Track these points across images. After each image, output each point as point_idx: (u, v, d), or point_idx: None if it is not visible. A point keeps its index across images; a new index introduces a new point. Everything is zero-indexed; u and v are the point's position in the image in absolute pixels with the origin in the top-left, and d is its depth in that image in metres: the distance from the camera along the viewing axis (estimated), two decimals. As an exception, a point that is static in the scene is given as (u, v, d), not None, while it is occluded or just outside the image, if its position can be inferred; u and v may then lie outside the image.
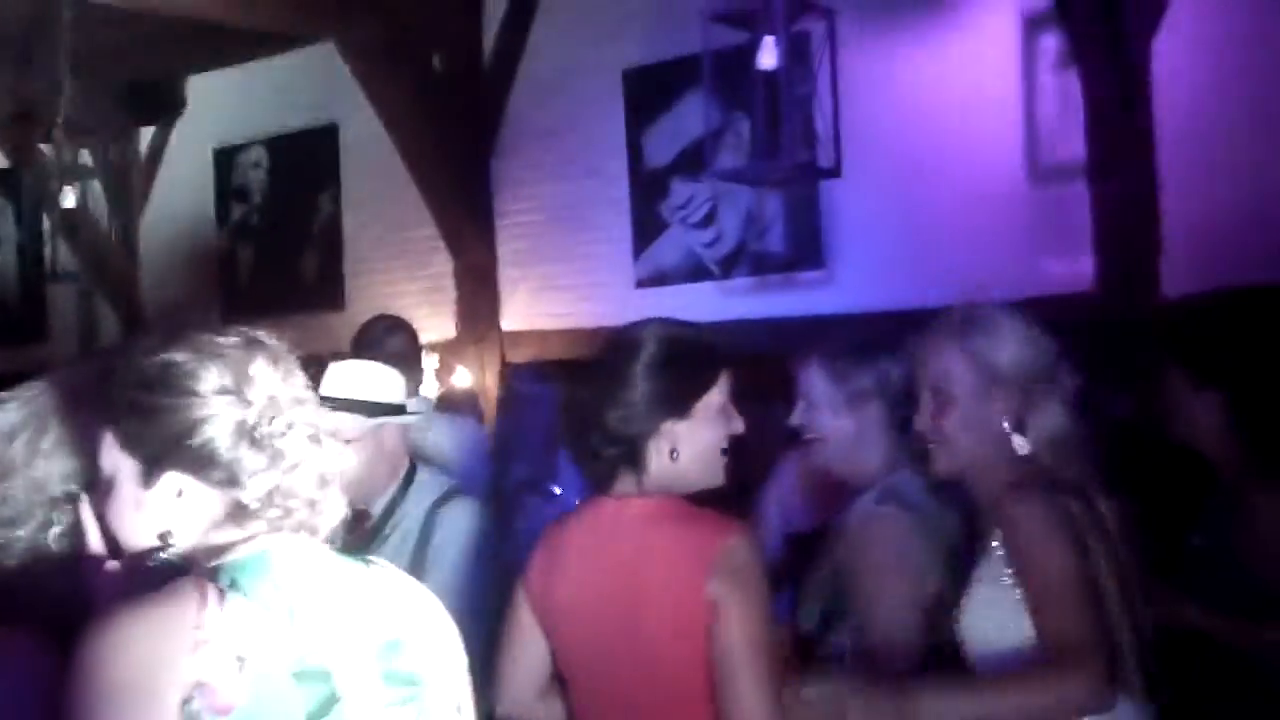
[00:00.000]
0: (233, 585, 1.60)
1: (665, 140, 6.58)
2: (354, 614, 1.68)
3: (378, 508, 3.36)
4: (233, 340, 1.70)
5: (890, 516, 2.76)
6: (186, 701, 1.51)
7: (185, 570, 1.63)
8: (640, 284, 7.47)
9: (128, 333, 10.28)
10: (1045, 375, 2.51)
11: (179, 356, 1.68)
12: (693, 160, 6.83)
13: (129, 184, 10.32)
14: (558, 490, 4.67)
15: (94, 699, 1.52)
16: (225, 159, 9.77)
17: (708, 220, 7.18)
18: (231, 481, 1.65)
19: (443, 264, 8.33)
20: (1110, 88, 5.80)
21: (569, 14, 7.83)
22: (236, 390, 1.65)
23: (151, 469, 1.67)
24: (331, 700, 1.61)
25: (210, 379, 1.65)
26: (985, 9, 6.33)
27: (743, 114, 6.46)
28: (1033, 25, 6.17)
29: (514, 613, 2.53)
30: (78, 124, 8.39)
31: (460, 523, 3.34)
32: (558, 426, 4.04)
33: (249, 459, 1.64)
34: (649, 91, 7.07)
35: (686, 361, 2.46)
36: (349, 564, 1.73)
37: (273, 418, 1.65)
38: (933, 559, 2.71)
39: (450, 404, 6.81)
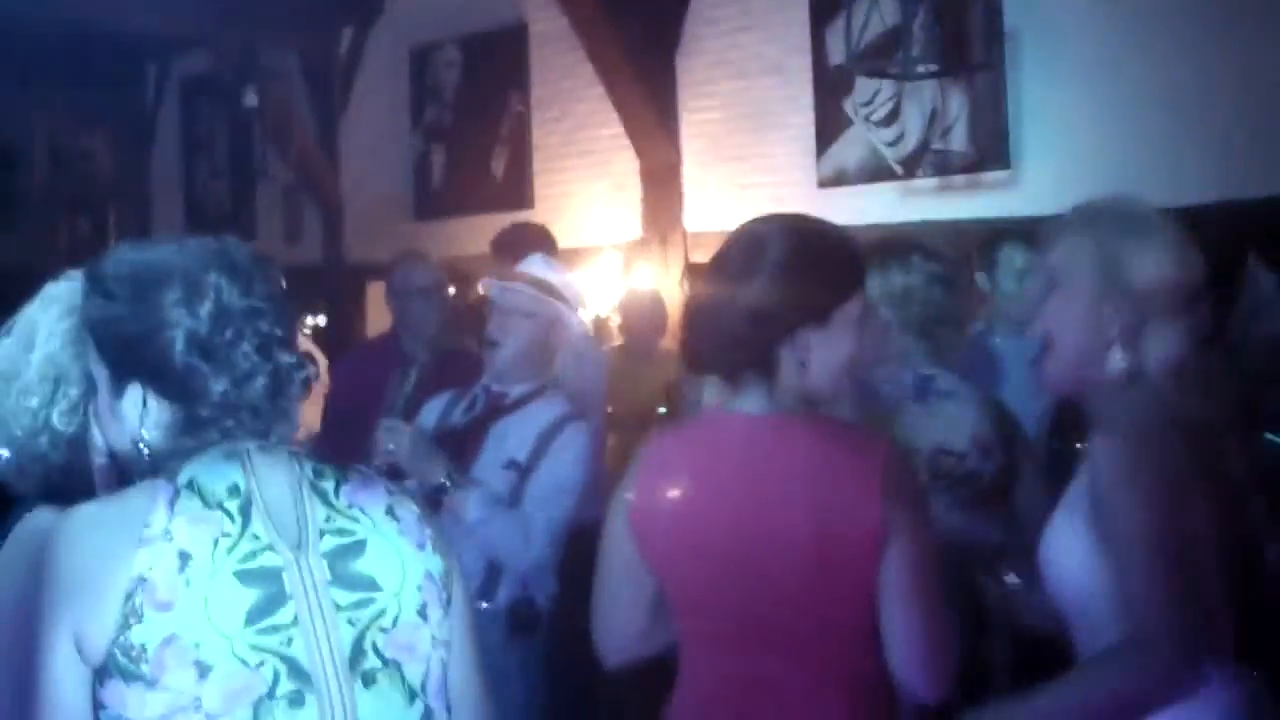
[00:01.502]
0: (188, 485, 1.64)
1: (853, 34, 6.38)
2: (308, 518, 1.70)
3: (514, 392, 3.54)
4: (191, 250, 1.72)
5: None
6: (129, 595, 1.56)
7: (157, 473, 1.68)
8: (822, 183, 7.33)
9: (328, 231, 10.60)
10: (1180, 297, 2.23)
11: (136, 268, 1.72)
12: (877, 56, 6.63)
13: (329, 85, 10.54)
14: None
15: (46, 588, 1.59)
16: (420, 59, 9.89)
17: (891, 118, 6.99)
18: (185, 392, 1.68)
19: (628, 163, 8.31)
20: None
21: (754, -93, 7.66)
22: (186, 302, 1.67)
23: (118, 379, 1.73)
24: (279, 599, 1.63)
25: (162, 291, 1.68)
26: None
27: (928, 8, 6.25)
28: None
29: (613, 546, 2.35)
30: (278, 25, 8.61)
31: (573, 445, 3.60)
32: None
33: (200, 369, 1.67)
34: (833, -15, 6.86)
35: (830, 263, 2.29)
36: (313, 469, 1.75)
37: (225, 329, 1.67)
38: None
39: (634, 305, 6.83)
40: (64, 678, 1.58)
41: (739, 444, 2.25)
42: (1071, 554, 2.21)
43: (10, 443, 1.92)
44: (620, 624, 2.38)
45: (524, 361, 3.69)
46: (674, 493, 2.27)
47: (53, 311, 1.92)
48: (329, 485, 1.74)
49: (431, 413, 3.82)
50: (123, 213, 12.99)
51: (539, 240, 5.32)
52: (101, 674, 1.57)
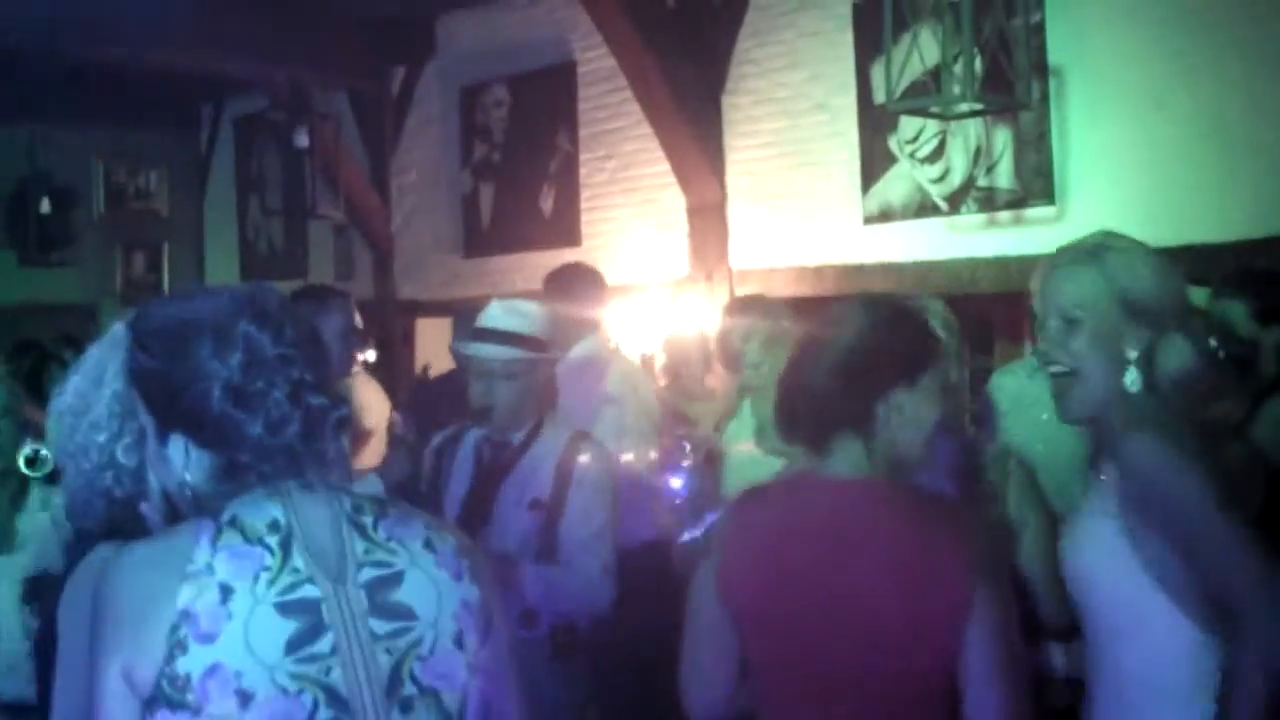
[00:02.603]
0: (230, 522, 1.71)
1: (894, 73, 6.41)
2: (347, 552, 1.75)
3: (518, 438, 3.58)
4: (222, 301, 1.79)
5: None
6: (175, 628, 1.63)
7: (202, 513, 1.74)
8: (868, 220, 7.35)
9: (379, 267, 10.72)
10: (1176, 312, 2.41)
11: (171, 322, 1.79)
12: (922, 93, 6.66)
13: (381, 124, 10.68)
14: None
15: (98, 625, 1.66)
16: (470, 98, 10.01)
17: (936, 154, 7.01)
18: (222, 440, 1.74)
19: (675, 201, 8.37)
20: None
21: (798, -53, 7.73)
22: (218, 353, 1.74)
23: (162, 428, 1.80)
24: (318, 629, 1.69)
25: (196, 344, 1.75)
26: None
27: (973, 45, 6.27)
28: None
29: (701, 608, 2.41)
30: (330, 65, 8.74)
31: (591, 472, 3.64)
32: None
33: (235, 418, 1.73)
34: (878, 24, 6.90)
35: (915, 329, 2.44)
36: (351, 504, 1.80)
37: (256, 378, 1.74)
38: None
39: (677, 346, 6.87)
40: (117, 711, 1.64)
41: (827, 508, 2.33)
42: (1099, 546, 2.32)
43: (80, 476, 1.99)
44: (709, 685, 2.42)
45: (518, 415, 3.69)
46: (762, 556, 2.33)
47: (121, 350, 1.99)
48: (368, 520, 1.79)
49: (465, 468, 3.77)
50: (177, 251, 13.18)
51: (587, 280, 5.36)
52: (151, 704, 1.63)
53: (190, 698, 1.61)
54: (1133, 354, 2.39)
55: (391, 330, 10.42)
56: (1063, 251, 2.53)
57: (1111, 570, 2.31)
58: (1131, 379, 2.39)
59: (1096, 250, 2.47)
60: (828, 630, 2.25)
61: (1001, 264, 6.57)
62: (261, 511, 1.72)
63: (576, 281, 5.23)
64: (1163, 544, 2.25)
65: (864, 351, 2.34)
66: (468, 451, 3.77)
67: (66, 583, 2.04)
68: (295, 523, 1.73)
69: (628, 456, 4.96)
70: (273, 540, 1.70)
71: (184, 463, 1.78)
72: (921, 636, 2.22)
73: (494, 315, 3.70)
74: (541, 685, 3.34)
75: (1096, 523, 2.35)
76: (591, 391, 4.89)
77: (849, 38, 7.40)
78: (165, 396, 1.78)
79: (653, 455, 4.98)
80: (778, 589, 2.30)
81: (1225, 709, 2.17)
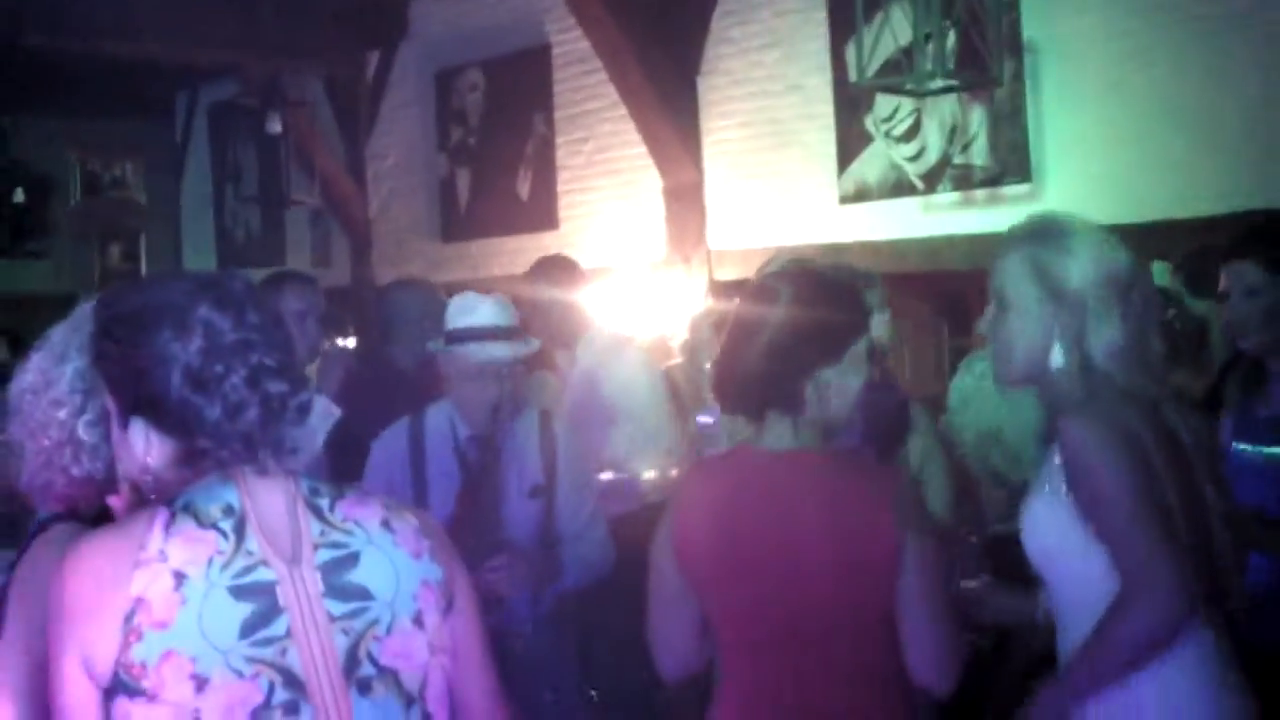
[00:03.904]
0: (184, 508, 1.71)
1: (866, 51, 6.42)
2: (302, 534, 1.76)
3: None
4: (184, 286, 1.79)
5: None
6: (129, 616, 1.64)
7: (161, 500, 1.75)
8: (844, 200, 7.36)
9: (356, 253, 10.70)
10: (1111, 291, 2.44)
11: (134, 308, 1.78)
12: (896, 72, 6.67)
13: (356, 110, 10.66)
14: None
15: (54, 618, 1.67)
16: (445, 82, 9.99)
17: (911, 133, 7.03)
18: (181, 425, 1.74)
19: (651, 183, 8.37)
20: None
21: (771, -74, 7.73)
22: (177, 338, 1.73)
23: (123, 413, 1.80)
24: (273, 611, 1.70)
25: (157, 330, 1.74)
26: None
27: (947, 23, 6.29)
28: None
29: (661, 574, 2.56)
30: (304, 51, 8.72)
31: (568, 443, 3.72)
32: None
33: (193, 402, 1.73)
34: (851, 2, 6.90)
35: (840, 305, 2.56)
36: (308, 487, 1.81)
37: (214, 363, 1.73)
38: None
39: (699, 326, 6.86)
40: (78, 702, 1.65)
41: (766, 476, 2.51)
42: (1053, 528, 2.43)
43: (39, 453, 2.00)
44: (675, 644, 2.59)
45: (516, 407, 3.66)
46: (710, 524, 2.51)
47: (85, 329, 1.99)
48: (324, 502, 1.80)
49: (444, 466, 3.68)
50: (154, 240, 13.15)
51: (564, 272, 5.39)
52: (109, 693, 1.64)
53: (146, 684, 1.62)
54: (1060, 334, 2.46)
55: (369, 315, 10.41)
56: (1007, 233, 2.62)
57: (1065, 550, 2.42)
58: (1059, 358, 2.46)
59: (1030, 233, 2.55)
60: (774, 585, 2.44)
61: (977, 241, 6.58)
62: (215, 496, 1.73)
63: (550, 276, 5.26)
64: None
65: (791, 333, 2.48)
66: (439, 447, 3.68)
67: (21, 559, 2.03)
68: (249, 506, 1.73)
69: (649, 474, 5.01)
70: (226, 525, 1.71)
71: (144, 448, 1.78)
72: (858, 584, 2.41)
73: (487, 312, 3.59)
74: (531, 654, 3.41)
75: (1047, 504, 2.44)
76: (603, 411, 4.97)
77: (824, 16, 7.41)
78: (127, 381, 1.78)
79: (673, 472, 5.01)
80: (727, 551, 2.48)
81: (1085, 654, 2.35)
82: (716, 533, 2.49)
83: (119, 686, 1.63)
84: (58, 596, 1.67)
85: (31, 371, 2.05)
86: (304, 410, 1.80)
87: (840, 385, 2.48)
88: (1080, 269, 2.45)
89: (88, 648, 1.64)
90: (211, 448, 1.74)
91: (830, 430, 2.54)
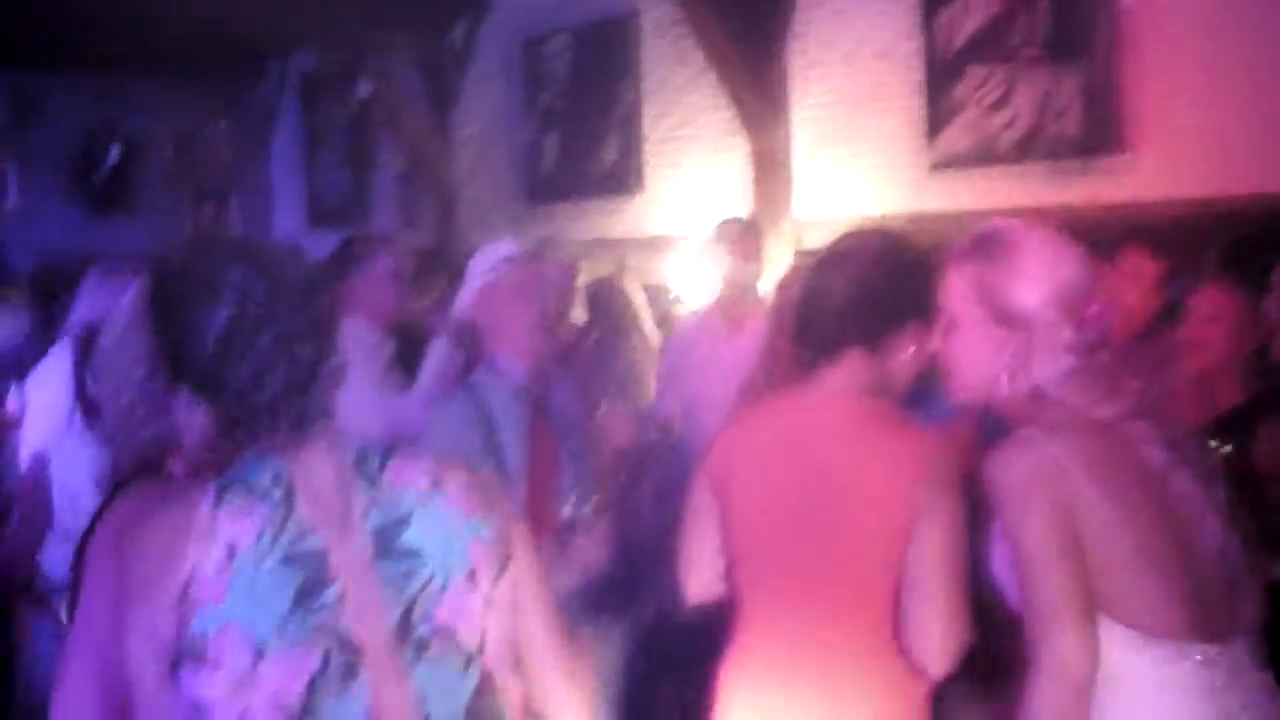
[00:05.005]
0: (234, 480, 1.72)
1: (960, 19, 6.33)
2: (350, 500, 1.76)
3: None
4: (223, 252, 1.79)
5: None
6: (185, 591, 1.66)
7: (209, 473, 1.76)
8: (934, 168, 7.27)
9: (442, 217, 10.76)
10: (1061, 309, 2.23)
11: (178, 276, 1.79)
12: (989, 39, 6.57)
13: (443, 76, 10.69)
14: None
15: (118, 593, 1.70)
16: (532, 49, 9.99)
17: (1003, 102, 6.91)
18: (214, 391, 1.75)
19: (738, 149, 8.33)
20: None
21: (864, -110, 7.62)
22: (211, 304, 1.74)
23: (171, 381, 1.81)
24: (325, 579, 1.71)
25: (195, 297, 1.75)
26: None
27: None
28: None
29: (696, 498, 2.68)
30: (392, 20, 8.75)
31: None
32: None
33: (223, 367, 1.74)
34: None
35: (914, 277, 2.54)
36: (356, 453, 1.80)
37: (243, 327, 1.74)
38: None
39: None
40: (147, 674, 1.68)
41: (807, 418, 2.55)
42: (1006, 568, 2.22)
43: (118, 411, 2.03)
44: (701, 567, 2.67)
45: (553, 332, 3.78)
46: (746, 455, 2.60)
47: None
48: (372, 465, 1.80)
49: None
50: (245, 202, 13.30)
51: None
52: (174, 666, 1.67)
53: (208, 656, 1.65)
54: (1005, 356, 2.26)
55: (455, 277, 10.46)
56: (953, 248, 2.40)
57: (1009, 583, 2.22)
58: (1004, 384, 2.26)
59: (975, 249, 2.34)
60: (798, 530, 2.49)
61: (1068, 212, 6.47)
62: (262, 467, 1.74)
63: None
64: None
65: (891, 270, 2.52)
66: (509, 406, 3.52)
67: (99, 519, 2.07)
68: (297, 475, 1.74)
69: None
70: (275, 494, 1.72)
71: (188, 416, 1.80)
72: (874, 542, 2.41)
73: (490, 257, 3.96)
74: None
75: (995, 534, 2.26)
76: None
77: (915, -17, 7.30)
78: (169, 348, 1.80)
79: None
80: (756, 481, 2.55)
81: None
82: (750, 465, 2.57)
83: (181, 659, 1.66)
84: (121, 573, 1.71)
85: (111, 333, 2.09)
86: (336, 375, 1.80)
87: (920, 347, 2.50)
88: (1028, 289, 2.24)
89: (149, 621, 1.67)
90: (242, 416, 1.75)
91: (887, 389, 2.55)
